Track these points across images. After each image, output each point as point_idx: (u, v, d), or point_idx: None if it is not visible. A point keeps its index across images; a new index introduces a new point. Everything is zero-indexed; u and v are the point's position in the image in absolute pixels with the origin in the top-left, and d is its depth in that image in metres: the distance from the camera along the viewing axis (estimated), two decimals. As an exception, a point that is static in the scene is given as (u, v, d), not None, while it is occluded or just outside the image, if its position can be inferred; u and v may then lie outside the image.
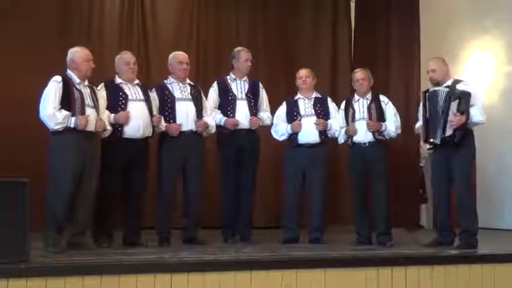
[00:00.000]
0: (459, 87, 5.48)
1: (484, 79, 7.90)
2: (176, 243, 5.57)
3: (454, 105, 5.41)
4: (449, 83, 5.56)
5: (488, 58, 8.03)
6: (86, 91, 5.09)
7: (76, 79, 5.04)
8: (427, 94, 5.60)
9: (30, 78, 6.33)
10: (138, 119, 5.36)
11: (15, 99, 6.59)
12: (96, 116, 5.07)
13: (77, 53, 5.11)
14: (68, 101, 4.91)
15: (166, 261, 4.46)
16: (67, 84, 4.97)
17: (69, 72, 5.08)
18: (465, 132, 5.40)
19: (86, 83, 5.13)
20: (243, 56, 6.04)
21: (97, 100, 5.18)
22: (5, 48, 6.79)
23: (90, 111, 5.02)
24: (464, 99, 5.39)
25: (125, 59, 5.53)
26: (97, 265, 4.15)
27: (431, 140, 5.54)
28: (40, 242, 4.75)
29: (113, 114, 5.31)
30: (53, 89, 4.91)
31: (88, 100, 5.06)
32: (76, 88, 5.01)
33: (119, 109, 5.35)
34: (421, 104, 5.75)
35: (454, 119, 5.37)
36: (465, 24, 8.37)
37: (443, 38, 8.44)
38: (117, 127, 5.32)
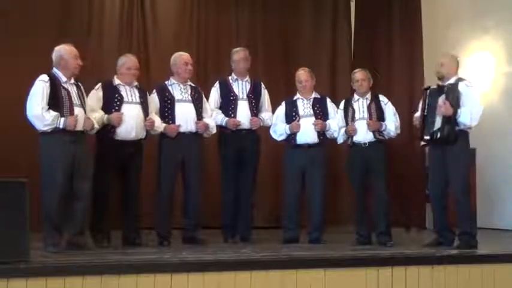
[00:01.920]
0: (460, 86, 5.47)
1: (484, 79, 7.88)
2: (176, 243, 5.58)
3: (441, 98, 5.43)
4: (452, 81, 5.55)
5: (488, 58, 8.02)
6: (73, 89, 5.03)
7: (63, 77, 4.98)
8: (428, 92, 5.60)
9: (29, 78, 6.30)
10: (131, 121, 5.37)
11: (16, 98, 6.56)
12: (84, 115, 5.03)
13: (65, 50, 5.05)
14: (55, 100, 4.85)
15: (166, 261, 4.46)
16: (54, 83, 4.90)
17: (55, 70, 5.01)
18: (454, 129, 5.38)
19: (72, 80, 5.07)
20: (236, 56, 6.05)
21: (83, 98, 5.13)
22: (5, 47, 6.78)
23: (78, 111, 4.97)
24: (452, 94, 5.39)
25: (127, 63, 5.52)
26: (97, 265, 4.15)
27: (425, 137, 5.57)
28: (40, 242, 4.75)
29: (106, 115, 5.32)
30: (40, 89, 4.84)
31: (75, 99, 5.00)
32: (63, 87, 4.95)
33: (113, 110, 5.37)
34: (421, 100, 5.76)
35: (442, 105, 5.38)
36: (465, 24, 8.36)
37: (443, 38, 8.43)
38: (110, 128, 5.33)
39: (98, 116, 5.28)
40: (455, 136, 5.39)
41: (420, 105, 5.73)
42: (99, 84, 5.47)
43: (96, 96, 5.40)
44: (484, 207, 7.42)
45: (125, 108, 5.40)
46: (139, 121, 5.43)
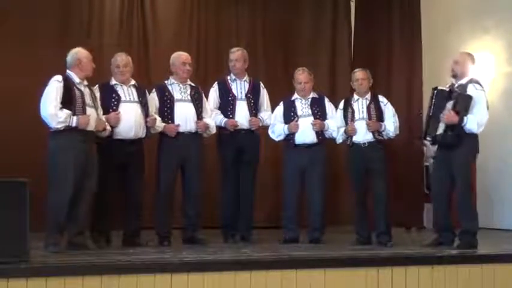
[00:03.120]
0: (469, 89, 5.44)
1: (484, 79, 7.88)
2: (176, 243, 5.58)
3: (449, 104, 5.40)
4: (463, 81, 5.53)
5: (488, 58, 8.02)
6: (86, 91, 5.11)
7: (76, 79, 5.06)
8: (435, 91, 5.58)
9: (29, 78, 6.32)
10: (129, 120, 5.37)
11: (15, 98, 6.59)
12: (96, 116, 5.09)
13: (82, 53, 5.14)
14: (69, 100, 4.92)
15: (166, 261, 4.46)
16: (68, 83, 4.98)
17: (69, 72, 5.08)
18: (459, 134, 5.37)
19: (85, 83, 5.15)
20: (232, 56, 6.05)
21: (96, 99, 5.20)
22: (4, 48, 6.79)
23: (90, 111, 5.04)
24: (462, 101, 5.36)
25: (115, 61, 5.55)
26: (97, 265, 4.15)
27: (428, 138, 5.56)
28: (40, 242, 4.75)
29: (104, 116, 5.32)
30: (54, 88, 4.91)
31: (88, 100, 5.08)
32: (77, 88, 5.02)
33: (111, 110, 5.38)
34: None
35: (446, 114, 5.36)
36: (465, 24, 8.36)
37: (443, 38, 8.44)
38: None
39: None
40: (459, 141, 5.37)
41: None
42: (96, 86, 5.48)
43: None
44: (484, 207, 7.40)
45: (122, 107, 5.41)
46: (138, 120, 5.43)
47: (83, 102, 5.00)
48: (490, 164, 7.69)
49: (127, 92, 5.49)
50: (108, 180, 5.31)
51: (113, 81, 5.52)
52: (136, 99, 5.50)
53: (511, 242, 6.42)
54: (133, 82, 5.57)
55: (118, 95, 5.44)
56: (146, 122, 5.47)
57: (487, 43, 8.05)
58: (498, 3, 7.97)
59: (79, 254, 4.57)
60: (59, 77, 4.98)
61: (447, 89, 5.52)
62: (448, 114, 5.35)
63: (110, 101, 5.40)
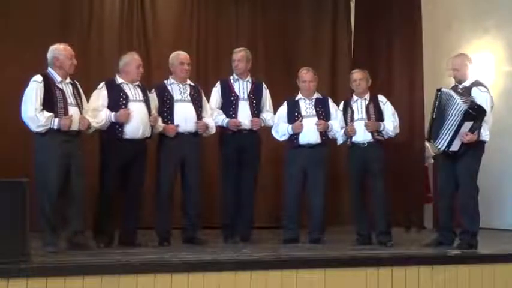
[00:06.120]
0: (474, 91, 5.44)
1: (484, 79, 7.87)
2: (176, 243, 5.58)
3: (468, 124, 5.35)
4: (466, 83, 5.54)
5: (488, 58, 8.02)
6: (68, 89, 5.01)
7: (57, 77, 4.96)
8: (439, 93, 5.56)
9: (29, 78, 6.31)
10: (138, 119, 5.35)
11: (15, 98, 6.56)
12: (79, 115, 4.99)
13: (60, 51, 5.02)
14: (49, 101, 4.84)
15: (166, 261, 4.46)
16: (48, 83, 4.88)
17: (50, 70, 5.00)
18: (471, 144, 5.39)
19: (68, 80, 5.05)
20: (235, 56, 6.05)
21: (80, 97, 5.10)
22: (5, 47, 6.79)
23: (73, 110, 4.95)
24: (480, 119, 5.34)
25: (137, 61, 5.48)
26: (97, 265, 4.15)
27: (432, 141, 5.58)
28: (40, 242, 4.75)
29: (113, 113, 5.29)
30: (34, 90, 4.83)
31: (70, 99, 4.98)
32: (57, 87, 4.93)
33: (119, 109, 5.34)
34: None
35: (466, 136, 5.34)
36: (465, 24, 8.37)
37: (443, 38, 8.44)
38: (117, 127, 5.30)
39: (103, 115, 5.25)
40: (467, 149, 5.40)
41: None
42: (103, 84, 5.43)
43: (100, 95, 5.36)
44: (484, 207, 7.37)
45: (130, 106, 5.36)
46: (145, 119, 5.40)
47: (65, 102, 4.90)
48: (490, 164, 7.64)
49: (133, 91, 5.45)
50: (113, 181, 5.30)
51: (119, 80, 5.46)
52: (142, 98, 5.47)
53: (511, 242, 6.42)
54: (137, 82, 5.55)
55: (126, 94, 5.40)
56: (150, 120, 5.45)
57: (488, 43, 8.06)
58: (498, 3, 7.98)
59: (79, 254, 4.57)
60: (38, 77, 4.89)
61: (466, 107, 5.33)
62: (469, 136, 5.33)
63: (118, 100, 5.35)
